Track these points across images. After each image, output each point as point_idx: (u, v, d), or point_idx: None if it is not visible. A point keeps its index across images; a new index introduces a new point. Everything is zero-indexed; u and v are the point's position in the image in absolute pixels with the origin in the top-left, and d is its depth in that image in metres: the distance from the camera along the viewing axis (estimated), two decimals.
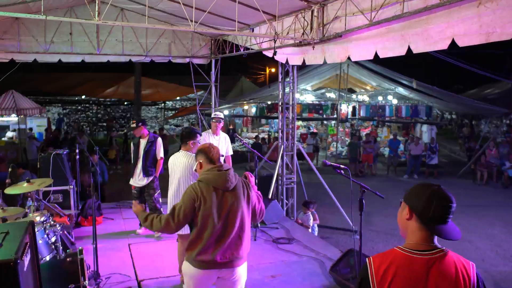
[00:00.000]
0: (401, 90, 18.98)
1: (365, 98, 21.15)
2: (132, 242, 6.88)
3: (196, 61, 9.44)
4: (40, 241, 4.22)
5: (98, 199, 8.59)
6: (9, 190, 4.72)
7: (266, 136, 20.91)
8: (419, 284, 1.95)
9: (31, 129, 19.42)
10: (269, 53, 6.91)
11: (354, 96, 21.85)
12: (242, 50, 7.94)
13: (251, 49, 7.61)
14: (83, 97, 24.76)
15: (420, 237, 2.02)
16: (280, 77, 9.98)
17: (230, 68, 27.57)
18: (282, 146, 10.22)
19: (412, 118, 19.41)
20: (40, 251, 4.20)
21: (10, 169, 4.98)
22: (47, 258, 4.26)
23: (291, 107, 10.17)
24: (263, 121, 25.28)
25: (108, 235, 7.23)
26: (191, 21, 5.09)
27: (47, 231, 4.32)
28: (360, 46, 4.67)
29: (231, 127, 22.30)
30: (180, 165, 4.97)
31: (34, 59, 8.44)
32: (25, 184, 4.79)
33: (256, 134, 21.18)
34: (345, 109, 19.34)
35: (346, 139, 20.30)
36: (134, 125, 7.23)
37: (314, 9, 5.17)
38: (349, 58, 4.97)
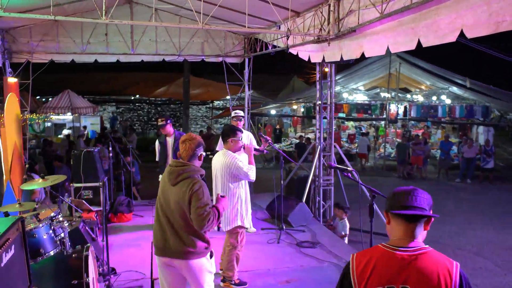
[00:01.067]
0: (455, 89, 17.99)
1: (420, 98, 20.24)
2: None
3: (229, 60, 9.39)
4: (45, 236, 4.29)
5: (130, 197, 8.77)
6: (24, 186, 4.86)
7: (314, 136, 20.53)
8: (395, 279, 1.96)
9: (85, 127, 20.27)
10: (293, 51, 6.73)
11: (408, 96, 20.98)
12: (270, 48, 7.79)
13: (278, 46, 7.43)
14: (137, 96, 25.56)
15: (400, 233, 2.05)
16: (317, 76, 9.75)
17: (280, 68, 27.39)
18: (319, 147, 9.96)
19: (468, 119, 18.34)
20: (44, 246, 4.27)
21: (27, 165, 5.10)
22: (51, 253, 4.32)
23: (329, 107, 9.90)
24: (314, 120, 24.91)
25: (134, 232, 7.32)
26: (199, 19, 5.02)
27: (52, 227, 4.39)
28: (373, 41, 4.40)
29: (278, 126, 22.11)
30: (218, 163, 5.04)
31: (72, 60, 8.74)
32: (40, 180, 4.91)
33: (300, 134, 20.87)
34: (395, 109, 18.59)
35: (397, 140, 19.55)
36: (163, 122, 7.27)
37: (330, 3, 4.94)
38: (363, 55, 4.70)
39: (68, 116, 20.13)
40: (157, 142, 7.50)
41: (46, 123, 20.76)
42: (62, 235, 4.56)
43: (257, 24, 7.27)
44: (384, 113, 18.32)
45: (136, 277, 5.59)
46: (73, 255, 4.40)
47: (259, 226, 7.65)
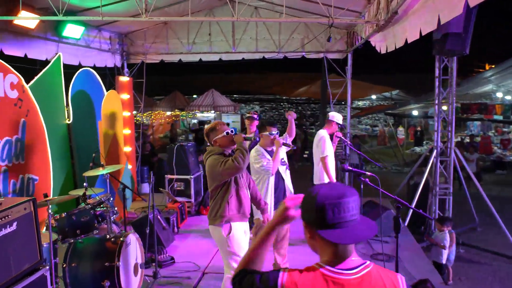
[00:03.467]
0: None
1: None
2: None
3: (331, 55, 8.97)
4: (87, 217, 4.67)
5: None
6: (86, 173, 5.37)
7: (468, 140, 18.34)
8: None
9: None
10: (373, 42, 6.11)
11: None
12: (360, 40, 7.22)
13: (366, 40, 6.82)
14: (278, 96, 26.27)
15: (332, 250, 1.60)
16: (437, 72, 8.73)
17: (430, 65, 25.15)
18: (435, 151, 8.95)
19: None
20: (83, 227, 4.65)
21: (94, 155, 5.62)
22: (94, 232, 4.69)
23: (450, 107, 8.82)
24: (471, 123, 22.36)
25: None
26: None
27: (95, 211, 4.75)
28: (413, 23, 3.71)
29: (419, 128, 20.42)
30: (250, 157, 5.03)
31: (179, 59, 9.35)
32: (100, 168, 5.38)
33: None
34: None
35: None
36: (254, 116, 7.27)
37: None
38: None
39: (211, 114, 21.60)
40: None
41: (192, 120, 22.61)
42: (106, 219, 4.91)
43: (345, 15, 6.80)
44: None
45: (189, 268, 5.73)
46: (112, 239, 4.70)
47: None
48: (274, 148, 4.93)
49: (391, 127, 20.86)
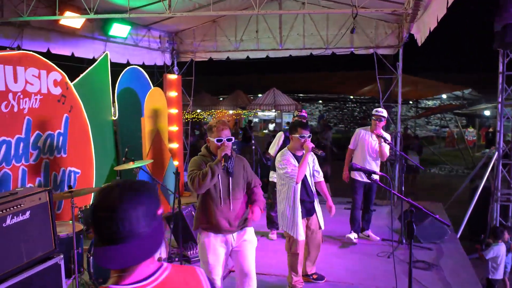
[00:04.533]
0: None
1: None
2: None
3: (381, 51, 8.55)
4: None
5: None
6: (117, 167, 5.52)
7: None
8: None
9: (288, 123, 21.40)
10: (415, 34, 5.72)
11: None
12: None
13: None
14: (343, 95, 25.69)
15: (116, 270, 1.37)
16: (500, 67, 8.06)
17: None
18: (496, 152, 8.29)
19: None
20: None
21: (126, 149, 5.77)
22: None
23: None
24: None
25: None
26: None
27: None
28: (433, 10, 3.36)
29: (491, 129, 18.96)
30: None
31: (227, 57, 9.37)
32: (130, 163, 5.50)
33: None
34: None
35: None
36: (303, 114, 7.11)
37: None
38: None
39: (272, 113, 21.60)
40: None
41: (254, 119, 22.72)
42: None
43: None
44: None
45: None
46: None
47: (385, 235, 6.80)
48: (304, 153, 4.56)
49: (460, 128, 19.59)
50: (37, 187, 5.55)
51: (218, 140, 3.54)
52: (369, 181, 6.50)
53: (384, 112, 6.43)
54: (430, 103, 23.84)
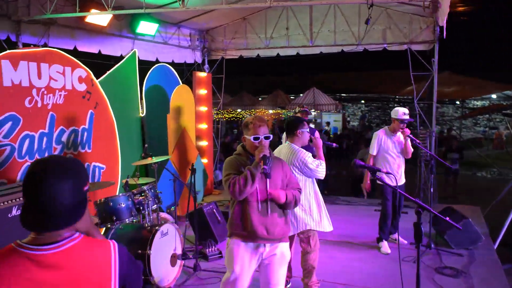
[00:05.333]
0: None
1: None
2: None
3: (415, 47, 8.18)
4: (123, 205, 4.82)
5: None
6: (134, 163, 5.56)
7: None
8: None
9: (328, 123, 21.09)
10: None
11: None
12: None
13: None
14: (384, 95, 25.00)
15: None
16: None
17: None
18: None
19: None
20: (119, 214, 4.80)
21: (146, 145, 5.80)
22: (126, 220, 4.83)
23: None
24: None
25: None
26: None
27: (132, 199, 4.89)
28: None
29: None
30: (284, 156, 4.62)
31: (257, 54, 9.29)
32: (149, 158, 5.53)
33: None
34: None
35: None
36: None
37: None
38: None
39: (312, 113, 21.29)
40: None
41: None
42: (143, 208, 5.02)
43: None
44: None
45: None
46: (147, 228, 4.79)
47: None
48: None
49: (510, 129, 18.55)
50: None
51: (255, 138, 3.27)
52: (398, 184, 6.30)
53: (408, 115, 6.09)
54: (478, 103, 22.74)
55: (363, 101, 26.22)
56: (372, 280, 5.26)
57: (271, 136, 3.28)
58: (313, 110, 20.51)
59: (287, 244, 3.51)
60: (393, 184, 5.26)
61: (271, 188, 3.28)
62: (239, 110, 23.63)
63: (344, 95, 25.40)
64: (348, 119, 25.08)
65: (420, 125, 8.64)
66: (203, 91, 8.80)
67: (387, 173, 3.26)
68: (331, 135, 19.51)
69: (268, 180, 3.26)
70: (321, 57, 8.77)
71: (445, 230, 6.22)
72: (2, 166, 4.95)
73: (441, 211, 6.74)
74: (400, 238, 6.41)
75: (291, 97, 22.86)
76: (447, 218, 3.12)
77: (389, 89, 23.32)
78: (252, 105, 22.04)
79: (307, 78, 22.79)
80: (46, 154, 5.51)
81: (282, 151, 4.51)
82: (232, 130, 22.58)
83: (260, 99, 22.96)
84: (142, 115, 7.43)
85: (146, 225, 4.87)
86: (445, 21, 5.48)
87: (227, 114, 26.39)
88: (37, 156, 5.36)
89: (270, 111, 23.37)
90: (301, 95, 22.19)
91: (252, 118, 3.35)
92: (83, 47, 6.64)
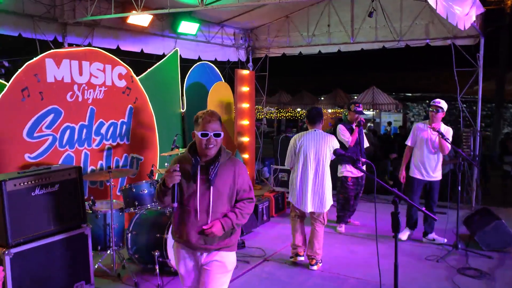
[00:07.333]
0: None
1: None
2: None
3: (460, 42, 7.86)
4: (145, 191, 5.18)
5: None
6: (163, 154, 5.92)
7: None
8: None
9: (389, 123, 20.54)
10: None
11: None
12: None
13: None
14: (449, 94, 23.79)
15: None
16: None
17: None
18: None
19: None
20: (140, 199, 5.17)
21: (175, 138, 6.13)
22: (148, 206, 5.19)
23: None
24: None
25: None
26: None
27: (155, 186, 5.23)
28: None
29: None
30: (314, 142, 5.29)
31: (299, 52, 9.38)
32: (176, 150, 5.87)
33: None
34: None
35: None
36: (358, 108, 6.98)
37: None
38: None
39: (370, 112, 20.88)
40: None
41: None
42: None
43: None
44: None
45: (254, 253, 5.81)
46: (167, 214, 5.11)
47: (449, 240, 6.25)
48: None
49: None
50: (99, 170, 6.19)
51: (202, 135, 2.88)
52: (430, 179, 6.17)
53: (442, 103, 6.04)
54: None
55: (428, 101, 25.14)
56: (388, 277, 5.21)
57: (222, 133, 2.94)
58: (371, 109, 20.15)
59: (233, 253, 3.16)
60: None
61: (215, 196, 2.94)
62: (298, 110, 23.68)
63: (409, 94, 24.58)
64: (412, 119, 24.20)
65: (466, 122, 8.32)
66: (245, 88, 9.06)
67: (365, 162, 3.30)
68: (391, 135, 18.97)
69: (212, 187, 2.94)
70: (362, 54, 8.70)
71: (476, 231, 5.99)
72: (45, 154, 5.51)
73: (478, 211, 6.51)
74: (436, 237, 6.25)
75: (354, 96, 22.58)
76: (423, 209, 3.10)
77: (451, 88, 22.24)
78: (312, 104, 22.01)
79: (366, 76, 22.34)
80: (86, 144, 6.02)
81: (312, 137, 5.38)
82: (292, 128, 22.68)
83: (321, 98, 22.85)
84: (183, 111, 7.82)
85: (168, 211, 5.19)
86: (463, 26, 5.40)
87: (289, 113, 26.55)
88: (77, 146, 5.90)
89: (329, 110, 23.20)
90: (359, 95, 21.85)
91: (203, 113, 2.96)
92: (125, 47, 7.13)
